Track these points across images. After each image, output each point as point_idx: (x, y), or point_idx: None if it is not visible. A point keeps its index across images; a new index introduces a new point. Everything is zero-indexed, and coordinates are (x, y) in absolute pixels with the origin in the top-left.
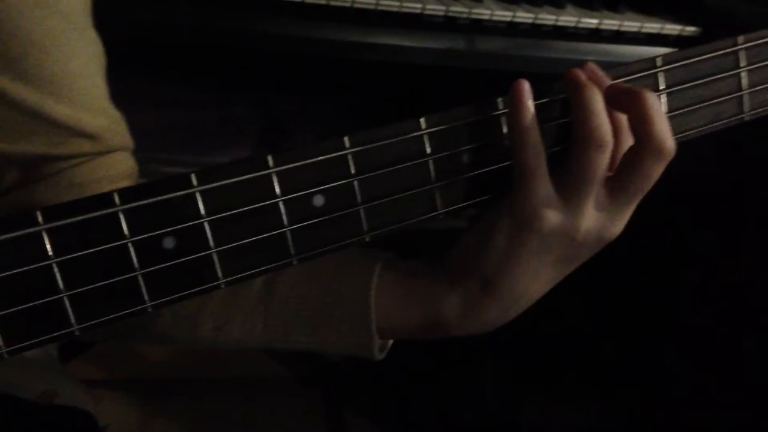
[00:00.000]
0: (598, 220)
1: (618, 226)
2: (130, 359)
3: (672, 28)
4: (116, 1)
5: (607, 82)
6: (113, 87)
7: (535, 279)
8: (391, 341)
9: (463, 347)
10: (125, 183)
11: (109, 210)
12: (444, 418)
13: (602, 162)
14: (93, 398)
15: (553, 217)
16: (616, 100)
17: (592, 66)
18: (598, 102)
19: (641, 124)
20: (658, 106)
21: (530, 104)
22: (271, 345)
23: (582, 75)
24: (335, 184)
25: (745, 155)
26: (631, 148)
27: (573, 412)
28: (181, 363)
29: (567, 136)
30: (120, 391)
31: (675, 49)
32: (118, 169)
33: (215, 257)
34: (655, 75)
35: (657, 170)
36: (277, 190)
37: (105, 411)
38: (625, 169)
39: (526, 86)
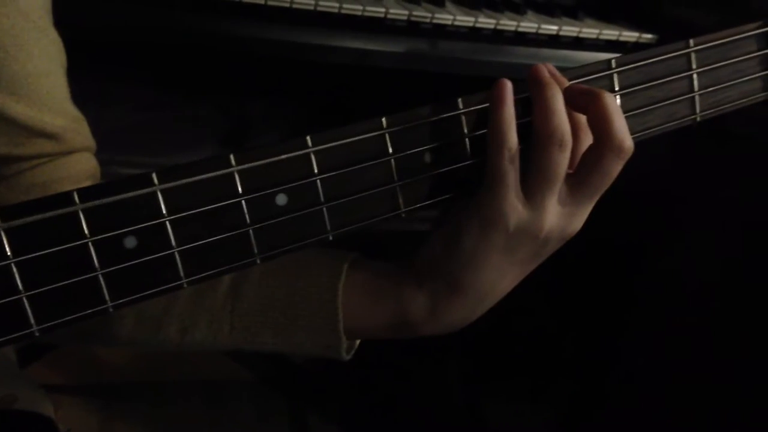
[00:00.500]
0: (561, 217)
1: (579, 222)
2: (89, 363)
3: (630, 35)
4: (76, 1)
5: (566, 82)
6: (73, 88)
7: (501, 277)
8: (358, 341)
9: (429, 346)
10: (87, 183)
11: (69, 209)
12: (410, 417)
13: (563, 160)
14: (53, 403)
15: (519, 216)
16: (574, 101)
17: (551, 67)
18: (558, 101)
19: (600, 123)
20: (615, 105)
21: (512, 106)
22: (237, 346)
23: (544, 73)
24: (298, 183)
25: (695, 155)
26: (590, 147)
27: (537, 408)
28: (141, 366)
29: (527, 135)
30: (80, 395)
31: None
32: (80, 169)
33: (177, 257)
34: (611, 76)
35: (616, 168)
36: (240, 188)
37: (65, 416)
38: (586, 166)
39: (508, 87)
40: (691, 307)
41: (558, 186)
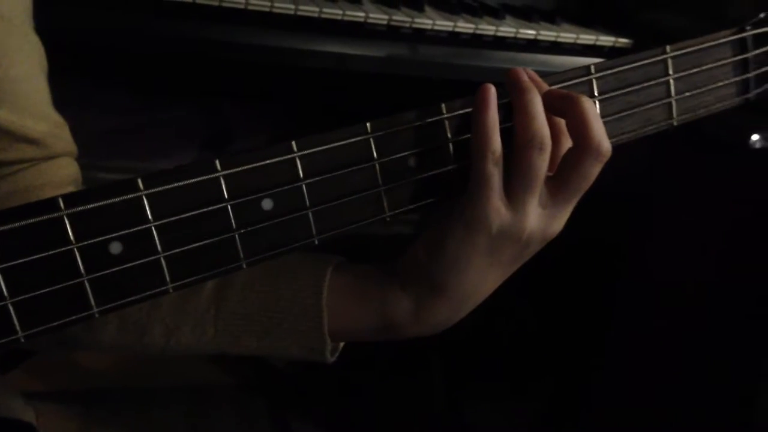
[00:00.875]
0: (542, 219)
1: (560, 223)
2: (69, 370)
3: (606, 40)
4: (55, 6)
5: (545, 87)
6: (51, 92)
7: (483, 279)
8: (342, 343)
9: (411, 347)
10: (69, 188)
11: (54, 215)
12: (392, 419)
13: (542, 163)
14: (33, 410)
15: (502, 218)
16: (553, 105)
17: (531, 72)
18: (536, 105)
19: (578, 127)
20: (594, 110)
21: (495, 111)
22: (222, 350)
23: (523, 76)
24: (284, 188)
25: (673, 158)
26: (570, 150)
27: (518, 408)
28: (122, 372)
29: (509, 139)
30: (61, 402)
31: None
32: (62, 174)
33: (163, 262)
34: (590, 81)
35: (595, 170)
36: (226, 193)
37: (46, 423)
38: (565, 169)
39: (492, 91)
40: (671, 307)
41: (538, 188)
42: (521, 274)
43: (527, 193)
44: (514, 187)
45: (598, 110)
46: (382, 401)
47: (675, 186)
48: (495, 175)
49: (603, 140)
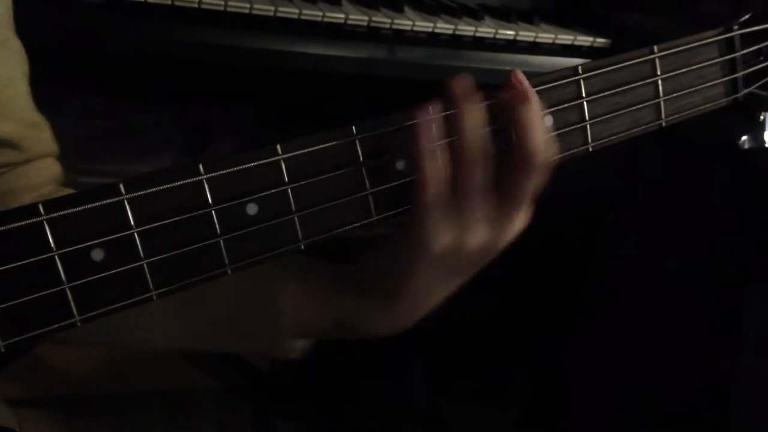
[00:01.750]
0: (485, 232)
1: (507, 234)
2: (52, 375)
3: (584, 40)
4: (34, 9)
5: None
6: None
7: (433, 291)
8: (305, 342)
9: (391, 348)
10: (49, 188)
11: (34, 220)
12: (373, 419)
13: (480, 177)
14: (17, 417)
15: (443, 236)
16: (496, 111)
17: (466, 77)
18: (473, 117)
19: (516, 137)
20: (533, 118)
21: (432, 134)
22: (184, 345)
23: (457, 87)
24: (269, 192)
25: (642, 157)
26: (508, 161)
27: (497, 408)
28: (105, 377)
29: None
30: (44, 408)
31: (588, 60)
32: (43, 176)
33: (146, 268)
34: (578, 82)
35: (530, 182)
36: (210, 198)
37: (29, 429)
38: (503, 182)
39: (427, 116)
40: (646, 307)
41: (479, 202)
42: (500, 275)
43: (469, 208)
44: (454, 202)
45: (585, 111)
46: (365, 403)
47: (651, 186)
48: (434, 196)
49: (536, 151)
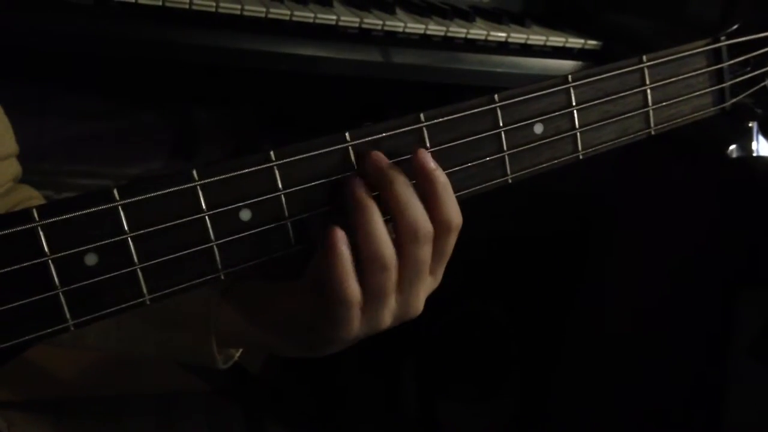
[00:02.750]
0: (394, 309)
1: (415, 305)
2: (41, 378)
3: (575, 42)
4: (17, 10)
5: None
6: (13, 98)
7: (352, 341)
8: (239, 351)
9: (384, 351)
10: (7, 186)
11: (28, 226)
12: (366, 421)
13: (388, 283)
14: (6, 420)
15: (356, 322)
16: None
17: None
18: (366, 224)
19: (394, 211)
20: (407, 191)
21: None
22: (126, 349)
23: (355, 191)
24: (262, 198)
25: (641, 165)
26: (396, 238)
27: (489, 409)
28: (93, 380)
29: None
30: (32, 411)
31: (579, 62)
32: (5, 176)
33: (140, 273)
34: (567, 90)
35: (422, 253)
36: (204, 204)
37: None
38: (398, 259)
39: (338, 239)
40: (634, 308)
41: (384, 299)
42: (494, 278)
43: (376, 306)
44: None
45: (575, 120)
46: (357, 406)
47: (642, 191)
48: (351, 299)
49: (418, 226)
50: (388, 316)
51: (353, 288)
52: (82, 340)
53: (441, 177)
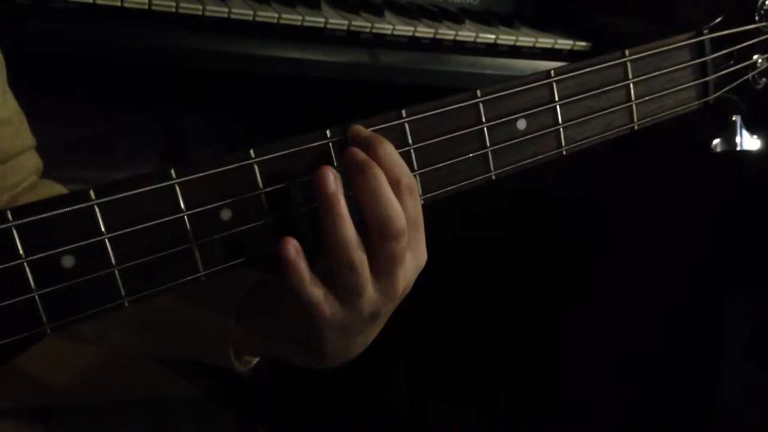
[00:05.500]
0: (374, 298)
1: (396, 287)
2: (30, 384)
3: (564, 43)
4: (5, 14)
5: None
6: None
7: (351, 346)
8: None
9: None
10: (31, 179)
11: (2, 227)
12: (359, 425)
13: (361, 276)
14: None
15: (335, 314)
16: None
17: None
18: (334, 225)
19: (362, 206)
20: (374, 184)
21: (303, 264)
22: (149, 350)
23: (325, 182)
24: (242, 197)
25: (619, 161)
26: (369, 233)
27: (482, 412)
28: (84, 386)
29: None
30: (22, 418)
31: (568, 63)
32: (23, 172)
33: (117, 275)
34: (551, 85)
35: (394, 247)
36: (182, 204)
37: None
38: (372, 252)
39: (290, 247)
40: (625, 309)
41: (360, 279)
42: (486, 278)
43: (349, 291)
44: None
45: (558, 116)
46: (350, 411)
47: (631, 192)
48: (320, 294)
49: (385, 222)
50: (367, 305)
51: (313, 292)
52: (108, 339)
53: (380, 140)
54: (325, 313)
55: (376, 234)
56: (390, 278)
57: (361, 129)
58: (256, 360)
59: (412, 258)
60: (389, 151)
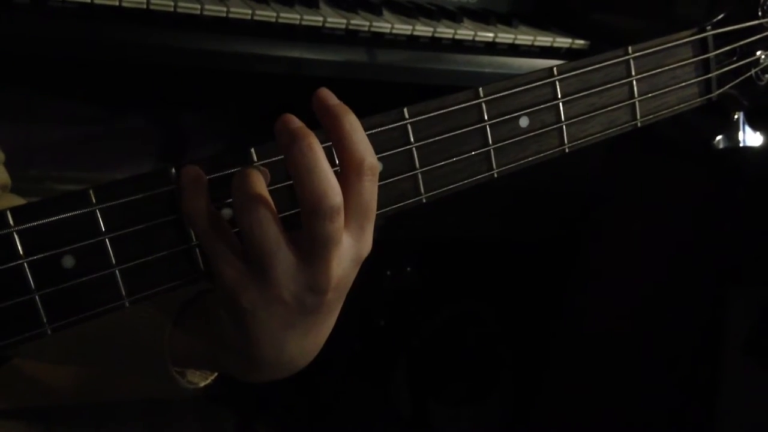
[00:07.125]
0: (297, 280)
1: (327, 274)
2: (29, 386)
3: (563, 41)
4: (3, 14)
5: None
6: (3, 102)
7: (284, 345)
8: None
9: (375, 354)
10: None
11: (2, 231)
12: (359, 425)
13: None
14: None
15: (247, 292)
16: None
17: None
18: (251, 216)
19: (294, 181)
20: (307, 157)
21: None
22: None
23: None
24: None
25: (619, 160)
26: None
27: (481, 411)
28: (83, 388)
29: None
30: (21, 420)
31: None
32: None
33: (118, 275)
34: (553, 83)
35: (327, 228)
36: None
37: None
38: (303, 236)
39: (197, 178)
40: (626, 307)
41: (279, 252)
42: (484, 278)
43: (264, 260)
44: (250, 256)
45: (561, 113)
46: (350, 411)
47: (630, 191)
48: (221, 253)
49: (317, 199)
50: (288, 292)
51: (216, 246)
52: (42, 355)
53: (346, 113)
54: (237, 287)
55: (307, 211)
56: (319, 263)
57: (329, 95)
58: (213, 375)
59: (352, 245)
60: (355, 126)
